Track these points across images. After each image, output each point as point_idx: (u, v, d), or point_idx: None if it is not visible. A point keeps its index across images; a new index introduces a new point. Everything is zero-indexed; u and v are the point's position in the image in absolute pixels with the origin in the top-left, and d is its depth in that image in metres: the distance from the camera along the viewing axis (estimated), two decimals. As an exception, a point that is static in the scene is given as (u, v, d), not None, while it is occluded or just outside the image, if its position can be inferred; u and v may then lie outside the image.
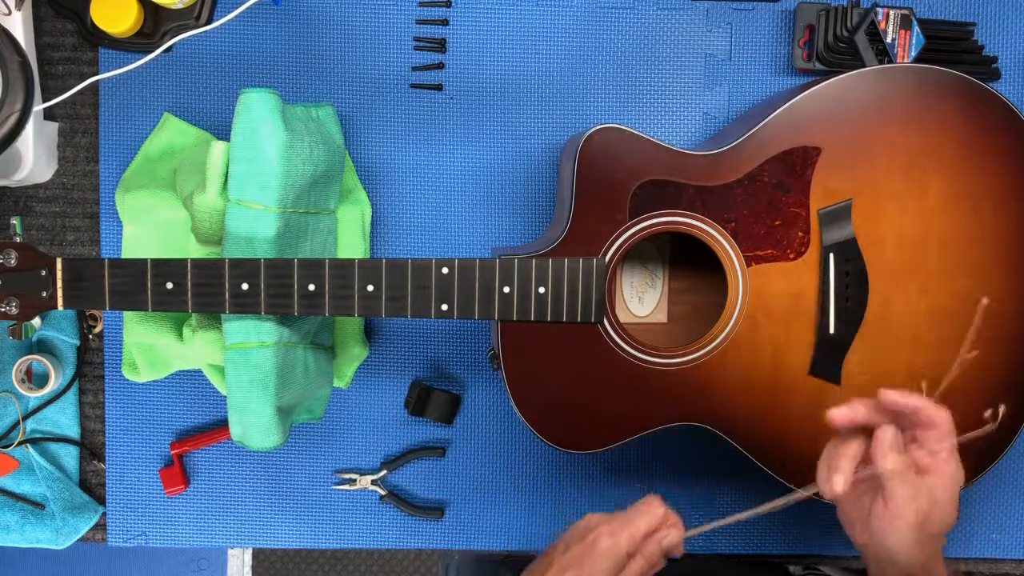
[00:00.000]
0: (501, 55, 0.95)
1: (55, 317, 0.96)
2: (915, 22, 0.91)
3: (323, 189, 0.88)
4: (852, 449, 0.66)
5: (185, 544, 1.00)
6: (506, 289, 0.80)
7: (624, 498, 0.99)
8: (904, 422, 0.66)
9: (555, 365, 0.81)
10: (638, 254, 0.94)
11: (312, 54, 0.95)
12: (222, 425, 0.97)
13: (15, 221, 0.96)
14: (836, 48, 0.92)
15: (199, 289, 0.79)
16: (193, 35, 0.93)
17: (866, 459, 0.66)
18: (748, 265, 0.82)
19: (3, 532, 0.97)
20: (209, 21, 0.94)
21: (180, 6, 0.92)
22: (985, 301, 0.80)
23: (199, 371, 0.96)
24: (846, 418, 0.66)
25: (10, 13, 0.90)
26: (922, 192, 0.81)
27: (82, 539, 0.98)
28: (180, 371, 0.97)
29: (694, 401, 0.83)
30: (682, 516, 1.01)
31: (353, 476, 0.98)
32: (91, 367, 0.98)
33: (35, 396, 0.96)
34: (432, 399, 0.96)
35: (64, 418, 0.97)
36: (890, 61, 0.91)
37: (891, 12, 0.91)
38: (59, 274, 0.78)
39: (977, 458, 0.84)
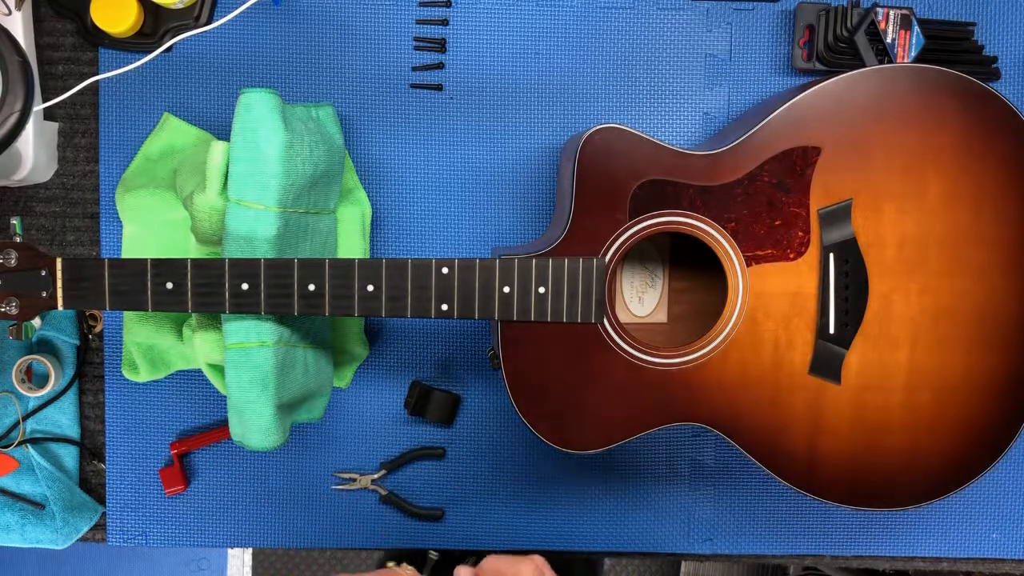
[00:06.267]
0: (501, 55, 0.95)
1: (55, 317, 0.96)
2: (915, 22, 0.91)
3: (323, 189, 0.88)
4: None
5: (185, 544, 1.00)
6: (506, 289, 0.80)
7: (624, 498, 0.99)
8: None
9: (555, 365, 0.81)
10: (638, 254, 0.94)
11: (312, 54, 0.95)
12: (222, 425, 0.97)
13: (15, 221, 0.96)
14: (836, 48, 0.92)
15: (199, 289, 0.79)
16: (193, 35, 0.93)
17: None
18: (748, 265, 0.82)
19: (3, 532, 0.97)
20: (209, 21, 0.94)
21: (180, 6, 0.92)
22: None
23: (199, 371, 0.96)
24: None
25: (10, 13, 0.90)
26: (922, 192, 0.81)
27: (82, 539, 0.98)
28: (180, 371, 0.97)
29: (694, 401, 0.83)
30: (683, 516, 1.01)
31: (353, 476, 0.98)
32: (91, 367, 0.98)
33: (35, 396, 0.96)
34: (432, 399, 0.96)
35: (64, 418, 0.97)
36: (890, 61, 0.91)
37: (891, 12, 0.91)
38: (59, 274, 0.78)
39: (977, 458, 0.84)
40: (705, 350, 0.82)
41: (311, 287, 0.79)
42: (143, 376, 0.95)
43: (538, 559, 0.78)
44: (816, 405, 0.83)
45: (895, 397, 0.83)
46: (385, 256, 0.92)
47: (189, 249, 0.91)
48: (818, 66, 0.93)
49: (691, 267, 0.94)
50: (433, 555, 0.97)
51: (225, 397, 0.95)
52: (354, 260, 0.78)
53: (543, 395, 0.82)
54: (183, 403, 0.98)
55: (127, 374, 0.95)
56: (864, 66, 0.82)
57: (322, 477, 0.99)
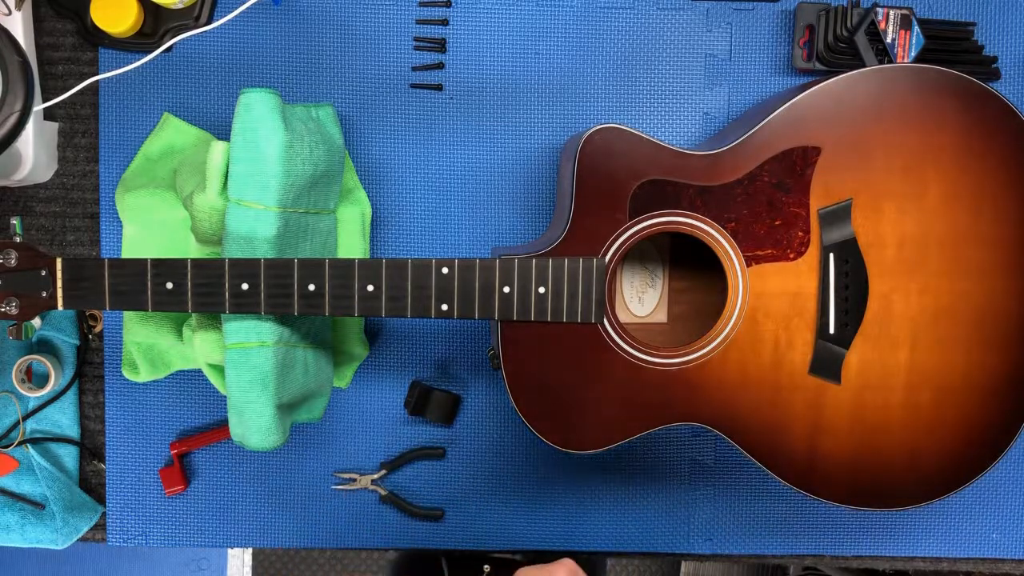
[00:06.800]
0: (501, 55, 0.95)
1: (55, 317, 0.96)
2: (915, 22, 0.91)
3: (323, 189, 0.88)
4: None
5: (185, 544, 1.00)
6: (506, 289, 0.80)
7: (623, 498, 0.99)
8: None
9: (555, 365, 0.81)
10: (638, 254, 0.94)
11: (312, 54, 0.95)
12: (222, 425, 0.97)
13: (15, 221, 0.96)
14: (836, 48, 0.92)
15: (199, 289, 0.79)
16: (193, 35, 0.93)
17: None
18: (748, 265, 0.82)
19: (3, 532, 0.97)
20: (209, 21, 0.94)
21: (180, 6, 0.92)
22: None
23: (199, 371, 0.96)
24: None
25: (10, 13, 0.90)
26: (922, 192, 0.81)
27: (82, 539, 0.98)
28: (180, 371, 0.97)
29: (694, 401, 0.83)
30: (683, 516, 1.01)
31: (353, 476, 0.98)
32: (91, 367, 0.98)
33: (35, 396, 0.96)
34: (432, 399, 0.96)
35: (64, 418, 0.97)
36: (890, 61, 0.91)
37: (891, 12, 0.91)
38: (59, 274, 0.78)
39: (977, 458, 0.84)
40: (705, 350, 0.82)
41: (311, 287, 0.79)
42: (143, 376, 0.95)
43: (569, 563, 0.78)
44: (816, 405, 0.83)
45: (895, 397, 0.83)
46: (385, 256, 0.92)
47: (189, 249, 0.91)
48: (818, 66, 0.93)
49: (691, 267, 0.94)
50: (487, 568, 0.97)
51: (225, 397, 0.95)
52: (354, 260, 0.78)
53: (543, 395, 0.82)
54: (183, 403, 0.98)
55: (127, 374, 0.95)
56: (864, 66, 0.82)
57: (322, 477, 0.99)
